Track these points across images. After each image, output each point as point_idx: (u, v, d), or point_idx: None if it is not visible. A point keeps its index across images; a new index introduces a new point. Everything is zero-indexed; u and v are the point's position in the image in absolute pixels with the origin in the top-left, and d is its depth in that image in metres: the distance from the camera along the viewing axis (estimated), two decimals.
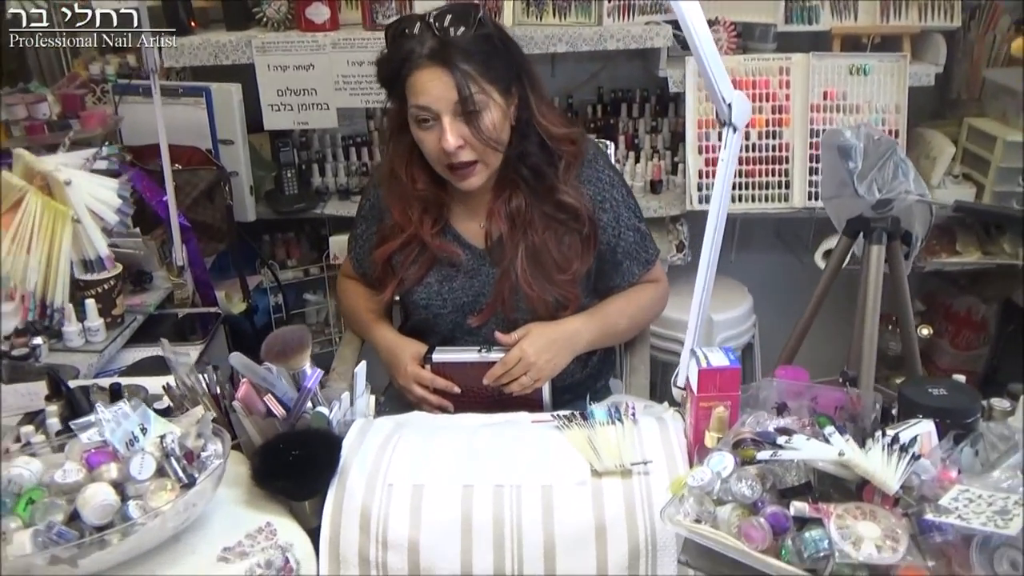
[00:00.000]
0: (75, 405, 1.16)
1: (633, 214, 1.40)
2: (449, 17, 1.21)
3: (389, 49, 1.27)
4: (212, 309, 1.88)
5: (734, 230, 2.41)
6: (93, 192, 1.49)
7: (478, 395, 1.36)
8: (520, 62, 1.28)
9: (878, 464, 0.75)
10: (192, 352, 1.67)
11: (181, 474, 0.85)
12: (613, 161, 1.62)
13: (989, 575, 0.69)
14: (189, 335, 1.82)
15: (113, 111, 2.00)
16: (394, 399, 1.46)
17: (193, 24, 2.14)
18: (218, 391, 1.11)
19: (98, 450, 0.86)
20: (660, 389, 1.73)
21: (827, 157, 1.52)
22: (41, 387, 1.20)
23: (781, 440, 0.83)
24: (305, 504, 0.99)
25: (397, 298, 1.47)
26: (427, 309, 1.40)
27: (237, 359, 1.03)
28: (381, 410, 1.44)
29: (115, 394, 1.22)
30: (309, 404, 1.05)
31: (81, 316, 1.52)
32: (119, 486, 0.83)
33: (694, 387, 1.01)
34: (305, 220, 2.38)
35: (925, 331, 2.64)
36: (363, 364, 1.12)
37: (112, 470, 0.84)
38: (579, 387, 1.44)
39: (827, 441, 0.82)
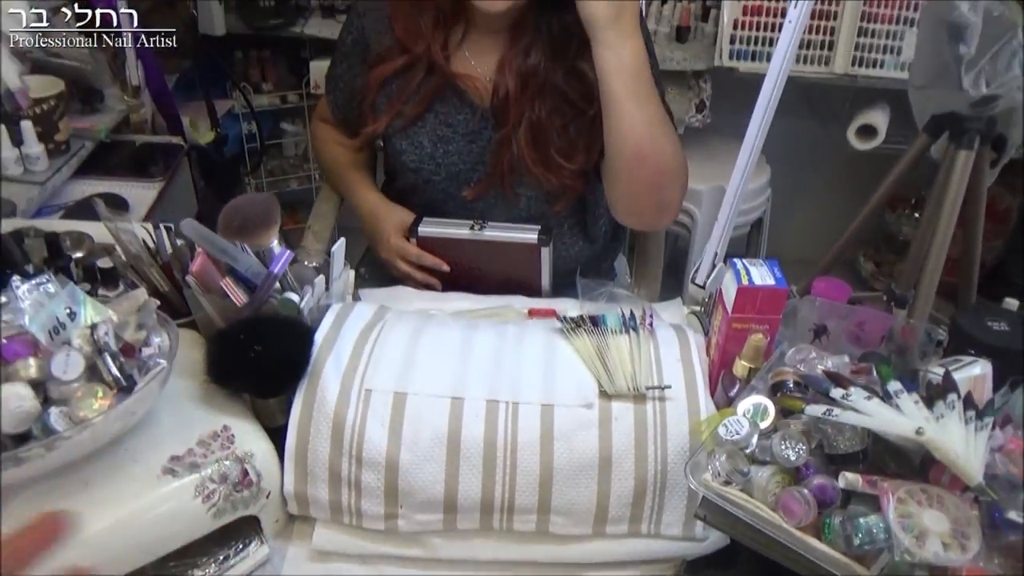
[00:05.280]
0: (3, 254, 0.99)
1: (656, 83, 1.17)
2: None
3: None
4: (175, 139, 1.66)
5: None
6: None
7: (469, 273, 1.22)
8: None
9: (960, 446, 0.62)
10: (151, 191, 1.48)
11: (117, 374, 0.71)
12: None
13: None
14: (149, 167, 1.62)
15: None
16: (376, 269, 1.30)
17: None
18: (169, 255, 0.95)
19: (15, 337, 0.71)
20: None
21: (929, 34, 1.20)
22: None
23: (836, 393, 0.69)
24: (270, 400, 0.86)
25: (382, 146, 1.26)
26: (417, 173, 1.21)
27: (190, 227, 0.86)
28: (362, 282, 1.29)
29: (52, 245, 1.05)
30: (277, 285, 0.90)
31: (17, 140, 1.31)
32: (40, 386, 0.69)
33: (728, 304, 0.87)
34: (283, 38, 2.10)
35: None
36: (342, 242, 0.95)
37: (31, 366, 0.68)
38: (585, 269, 1.30)
39: (889, 398, 0.69)
